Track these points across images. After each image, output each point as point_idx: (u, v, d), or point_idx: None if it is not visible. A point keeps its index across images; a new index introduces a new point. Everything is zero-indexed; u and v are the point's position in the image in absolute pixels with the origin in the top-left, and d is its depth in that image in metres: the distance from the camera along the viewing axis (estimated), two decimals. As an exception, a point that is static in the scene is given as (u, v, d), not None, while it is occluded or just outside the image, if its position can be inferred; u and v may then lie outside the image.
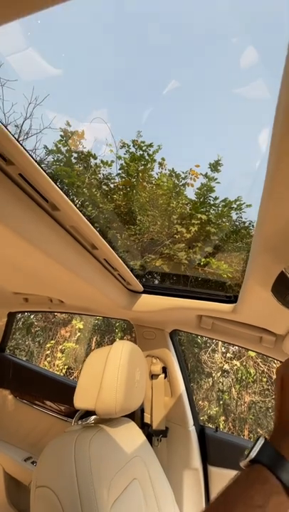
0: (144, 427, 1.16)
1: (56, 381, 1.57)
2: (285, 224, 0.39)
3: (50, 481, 0.63)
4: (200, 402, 3.38)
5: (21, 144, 0.45)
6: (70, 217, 0.62)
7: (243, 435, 3.21)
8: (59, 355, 3.70)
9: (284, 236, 0.41)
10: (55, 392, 1.50)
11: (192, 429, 1.14)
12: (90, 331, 3.90)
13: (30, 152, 0.49)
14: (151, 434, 1.13)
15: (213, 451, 1.13)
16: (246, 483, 0.32)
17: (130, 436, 0.93)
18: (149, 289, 1.08)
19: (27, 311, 1.72)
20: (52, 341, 3.80)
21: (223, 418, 3.34)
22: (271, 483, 0.31)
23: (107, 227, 3.34)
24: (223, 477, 1.08)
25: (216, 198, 3.53)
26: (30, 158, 0.48)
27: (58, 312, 3.28)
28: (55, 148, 4.03)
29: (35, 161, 0.49)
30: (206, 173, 3.51)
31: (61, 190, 0.56)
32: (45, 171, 0.52)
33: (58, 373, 3.54)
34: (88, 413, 0.96)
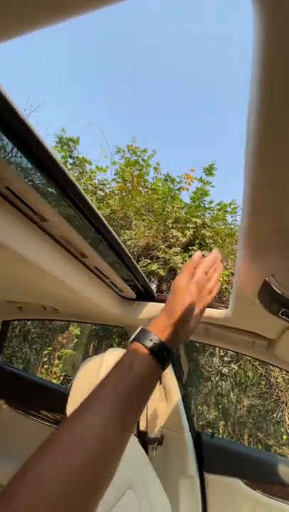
0: (140, 435, 1.15)
1: (52, 390, 1.56)
2: (265, 235, 0.40)
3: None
4: (199, 407, 3.36)
5: (7, 159, 0.46)
6: (58, 227, 0.63)
7: (243, 439, 3.19)
8: (56, 362, 3.67)
9: (265, 246, 0.42)
10: (51, 401, 1.48)
11: (188, 435, 1.14)
12: (88, 337, 3.87)
13: (15, 165, 0.50)
14: (147, 442, 1.12)
15: (210, 457, 1.12)
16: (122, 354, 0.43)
17: (125, 445, 0.92)
18: (142, 296, 1.08)
19: (21, 320, 1.71)
20: (49, 348, 3.77)
21: (222, 423, 3.32)
22: (136, 347, 0.43)
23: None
24: (219, 484, 1.07)
25: (210, 202, 3.56)
26: (16, 171, 0.49)
27: (52, 320, 3.26)
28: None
29: (21, 175, 0.50)
30: (201, 177, 3.55)
31: (47, 201, 0.57)
32: (31, 184, 0.53)
33: (56, 381, 3.51)
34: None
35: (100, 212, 0.65)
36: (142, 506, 0.83)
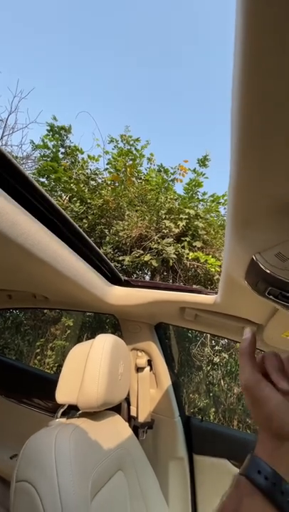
0: (131, 420, 1.17)
1: (43, 378, 1.56)
2: (253, 212, 0.40)
3: (30, 475, 0.62)
4: (191, 395, 3.43)
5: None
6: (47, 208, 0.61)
7: (233, 425, 3.29)
8: (49, 353, 3.67)
9: (252, 224, 0.42)
10: (43, 389, 1.48)
11: (178, 419, 1.16)
12: (81, 328, 3.88)
13: None
14: (138, 427, 1.14)
15: (198, 440, 1.15)
16: (226, 495, 0.32)
17: (115, 429, 0.94)
18: (133, 283, 1.08)
19: (11, 308, 1.70)
20: (42, 339, 3.76)
21: (213, 410, 3.41)
22: (242, 485, 0.30)
23: (95, 223, 3.31)
24: (207, 465, 1.11)
25: (204, 193, 3.55)
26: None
27: (42, 309, 3.24)
28: (41, 143, 3.95)
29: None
30: (195, 168, 3.53)
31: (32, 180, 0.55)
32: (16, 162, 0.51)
33: (49, 371, 3.52)
34: (73, 408, 0.95)
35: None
36: (132, 486, 0.85)
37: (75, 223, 0.74)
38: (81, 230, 0.77)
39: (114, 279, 1.05)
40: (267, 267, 0.44)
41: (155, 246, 2.88)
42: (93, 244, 0.84)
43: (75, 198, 3.41)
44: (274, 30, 0.20)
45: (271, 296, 0.49)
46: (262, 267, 0.44)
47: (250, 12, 0.19)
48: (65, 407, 0.90)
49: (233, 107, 0.28)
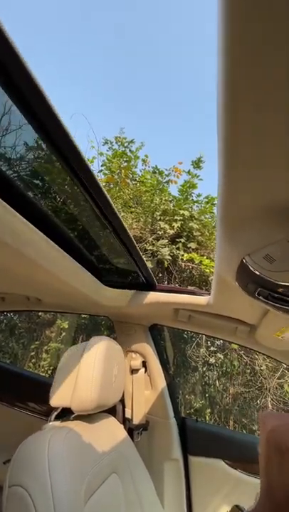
0: (125, 422, 1.17)
1: (37, 381, 1.55)
2: (241, 215, 0.40)
3: (23, 480, 0.62)
4: (187, 396, 3.44)
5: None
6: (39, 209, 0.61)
7: (228, 425, 3.30)
8: (44, 356, 3.63)
9: (241, 226, 0.42)
10: (37, 392, 1.47)
11: (172, 421, 1.16)
12: (76, 331, 3.85)
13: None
14: (132, 429, 1.14)
15: (194, 441, 1.16)
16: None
17: (109, 432, 0.93)
18: (127, 285, 1.08)
19: (4, 311, 1.68)
20: (36, 342, 3.73)
21: (209, 410, 3.41)
22: None
23: (89, 225, 3.30)
24: (202, 466, 1.11)
25: (198, 195, 3.57)
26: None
27: (36, 311, 3.20)
28: (35, 144, 3.93)
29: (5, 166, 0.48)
30: (189, 170, 3.55)
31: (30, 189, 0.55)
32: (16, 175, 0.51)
33: (44, 374, 3.48)
34: (67, 411, 0.95)
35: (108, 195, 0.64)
36: (126, 489, 0.85)
37: (66, 223, 0.74)
38: (73, 231, 0.77)
39: (109, 282, 1.05)
40: (256, 269, 0.45)
41: (150, 247, 2.89)
42: (87, 245, 0.83)
43: (69, 200, 3.40)
44: (259, 28, 0.21)
45: (261, 297, 0.50)
46: (251, 268, 0.45)
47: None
48: (59, 410, 0.89)
49: (218, 111, 0.28)
